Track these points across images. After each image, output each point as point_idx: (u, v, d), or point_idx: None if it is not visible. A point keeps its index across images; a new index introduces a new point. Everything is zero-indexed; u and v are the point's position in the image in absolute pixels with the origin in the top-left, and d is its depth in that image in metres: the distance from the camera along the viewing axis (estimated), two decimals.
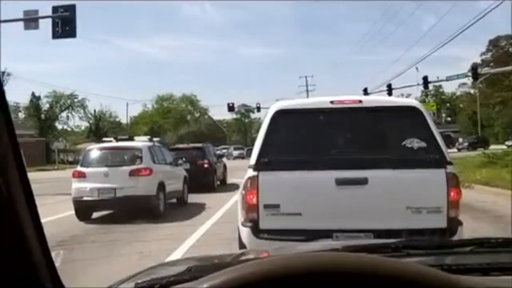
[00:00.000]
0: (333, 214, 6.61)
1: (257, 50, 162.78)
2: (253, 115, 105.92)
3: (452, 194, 6.53)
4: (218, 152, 34.82)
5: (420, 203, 6.54)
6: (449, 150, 7.11)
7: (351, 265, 1.20)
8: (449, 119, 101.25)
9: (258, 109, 68.97)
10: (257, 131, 8.01)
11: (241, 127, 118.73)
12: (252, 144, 7.80)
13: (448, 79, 49.47)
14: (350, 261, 1.22)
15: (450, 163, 6.70)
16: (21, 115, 74.91)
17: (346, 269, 1.18)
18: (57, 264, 1.44)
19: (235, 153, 70.27)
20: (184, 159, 21.00)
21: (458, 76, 49.62)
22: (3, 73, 54.15)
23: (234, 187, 20.74)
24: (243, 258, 2.42)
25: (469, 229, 7.81)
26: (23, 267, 1.24)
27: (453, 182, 6.59)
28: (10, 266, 1.20)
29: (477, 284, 1.48)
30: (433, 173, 6.61)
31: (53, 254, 1.40)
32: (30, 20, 26.03)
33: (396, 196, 6.60)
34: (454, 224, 6.55)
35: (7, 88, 55.36)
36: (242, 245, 6.99)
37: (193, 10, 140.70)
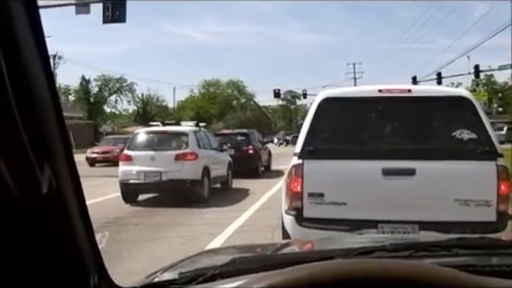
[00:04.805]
0: (379, 205, 6.50)
1: (305, 36, 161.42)
2: (299, 102, 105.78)
3: (502, 187, 6.35)
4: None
5: (469, 196, 6.38)
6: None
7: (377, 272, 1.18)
8: (500, 109, 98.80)
9: (304, 95, 68.95)
10: (303, 118, 7.95)
11: (286, 114, 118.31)
12: (298, 130, 7.74)
13: (501, 68, 48.50)
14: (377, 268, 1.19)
15: (501, 155, 6.53)
16: (71, 97, 76.08)
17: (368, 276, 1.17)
18: (102, 245, 1.45)
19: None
20: (229, 144, 21.07)
21: (511, 66, 48.58)
22: (54, 56, 54.93)
23: (279, 173, 20.72)
24: (286, 250, 2.39)
25: None
26: (69, 252, 1.25)
27: (504, 175, 6.41)
28: (56, 252, 1.21)
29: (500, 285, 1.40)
30: (483, 165, 6.45)
31: (98, 235, 1.41)
32: (81, 5, 26.34)
33: (444, 188, 6.45)
34: (503, 218, 6.38)
35: (58, 71, 56.41)
36: (285, 233, 6.94)
37: None
